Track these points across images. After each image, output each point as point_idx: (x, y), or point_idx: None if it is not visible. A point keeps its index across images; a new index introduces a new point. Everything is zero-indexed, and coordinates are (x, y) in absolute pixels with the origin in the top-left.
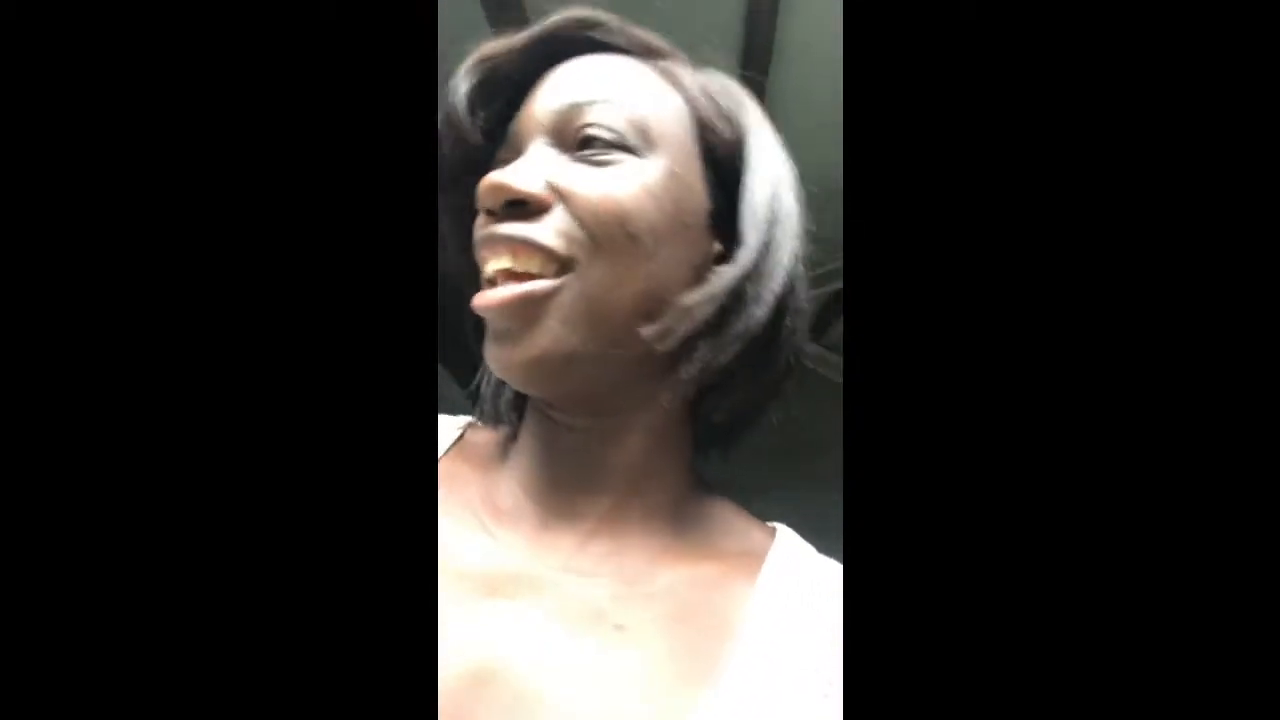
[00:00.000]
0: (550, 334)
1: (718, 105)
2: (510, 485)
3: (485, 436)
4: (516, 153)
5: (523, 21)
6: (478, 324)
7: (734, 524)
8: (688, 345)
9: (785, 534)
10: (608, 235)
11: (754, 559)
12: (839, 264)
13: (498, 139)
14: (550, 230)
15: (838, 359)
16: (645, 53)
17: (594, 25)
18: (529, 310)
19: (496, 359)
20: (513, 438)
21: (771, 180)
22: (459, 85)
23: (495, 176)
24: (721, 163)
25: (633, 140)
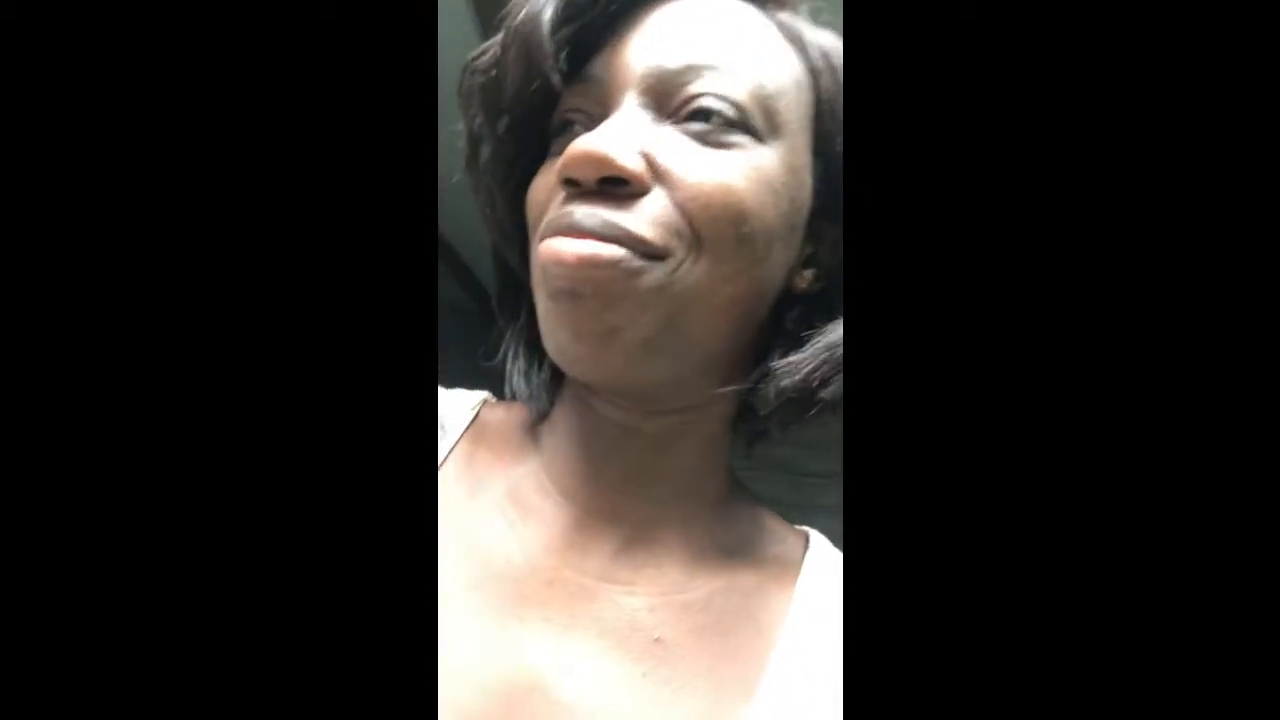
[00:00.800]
0: (627, 316)
1: (837, 79)
2: (540, 478)
3: (502, 415)
4: (598, 105)
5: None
6: (506, 293)
7: (768, 529)
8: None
9: (818, 540)
10: (717, 234)
11: (790, 566)
12: None
13: (569, 76)
14: (647, 220)
15: None
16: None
17: None
18: (609, 279)
19: (563, 311)
20: (539, 421)
21: None
22: (543, 5)
23: (591, 145)
24: (828, 150)
25: (756, 121)
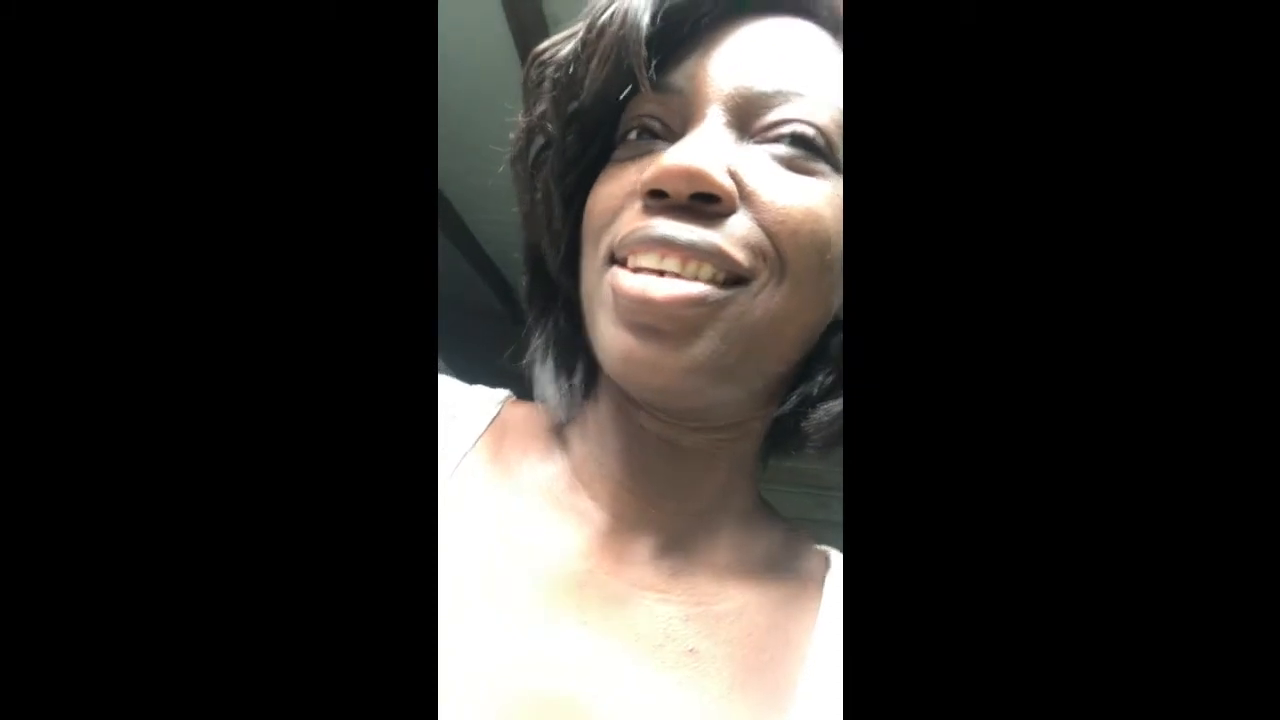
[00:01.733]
0: (709, 347)
1: None
2: (571, 479)
3: (525, 413)
4: (678, 115)
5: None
6: (537, 293)
7: (791, 546)
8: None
9: (838, 558)
10: (803, 259)
11: (813, 583)
12: None
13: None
14: (736, 239)
15: None
16: (830, 21)
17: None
18: (695, 315)
19: (633, 356)
20: (565, 424)
21: None
22: (639, 7)
23: (687, 159)
24: None
25: (837, 151)
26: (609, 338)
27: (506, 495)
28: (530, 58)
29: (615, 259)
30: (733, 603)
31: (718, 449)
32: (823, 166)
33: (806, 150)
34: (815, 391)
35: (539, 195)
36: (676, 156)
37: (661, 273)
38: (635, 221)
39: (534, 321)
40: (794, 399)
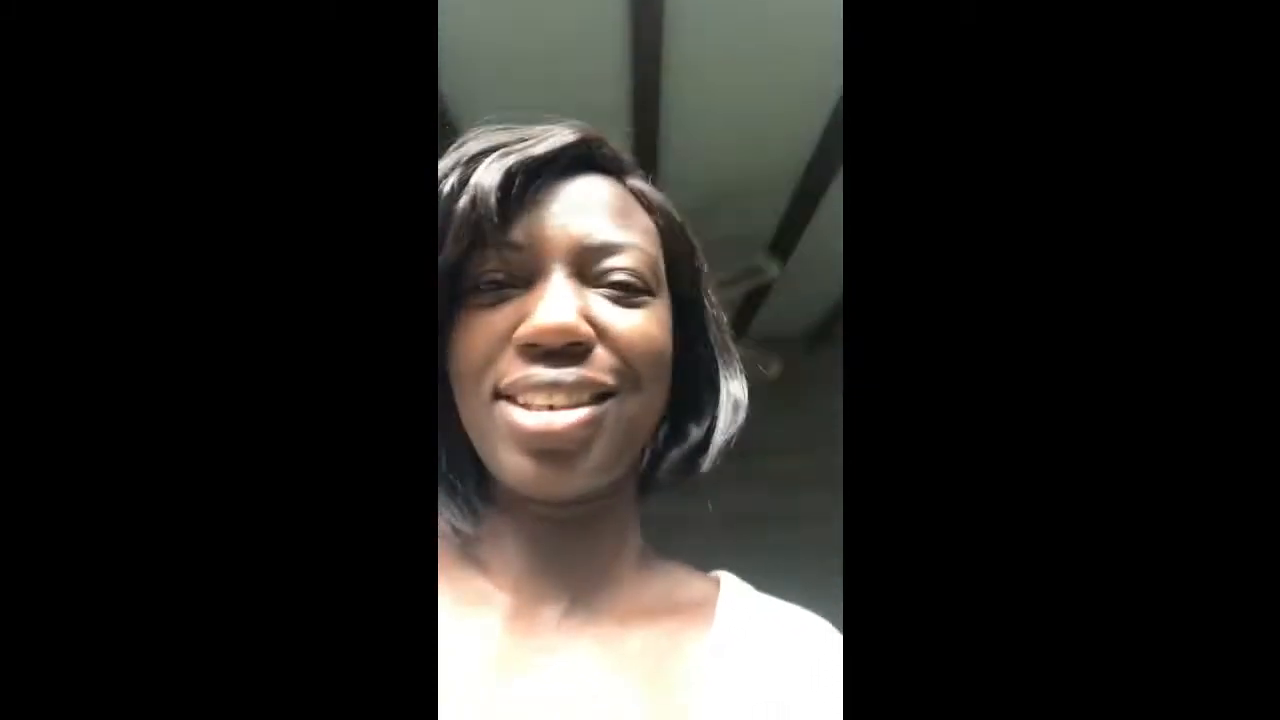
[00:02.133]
0: (601, 454)
1: (674, 227)
2: (477, 578)
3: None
4: (524, 269)
5: None
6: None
7: (683, 579)
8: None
9: (729, 580)
10: (649, 368)
11: (706, 607)
12: (751, 263)
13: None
14: (601, 369)
15: (766, 352)
16: (618, 170)
17: (600, 144)
18: (587, 433)
19: (540, 478)
20: (468, 532)
21: (718, 318)
22: (486, 178)
23: (556, 318)
24: (675, 285)
25: (651, 284)
26: (512, 464)
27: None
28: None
29: (500, 396)
30: (635, 642)
31: (599, 515)
32: (644, 298)
33: (633, 289)
34: (660, 448)
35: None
36: (547, 316)
37: (551, 407)
38: (518, 369)
39: None
40: (646, 460)
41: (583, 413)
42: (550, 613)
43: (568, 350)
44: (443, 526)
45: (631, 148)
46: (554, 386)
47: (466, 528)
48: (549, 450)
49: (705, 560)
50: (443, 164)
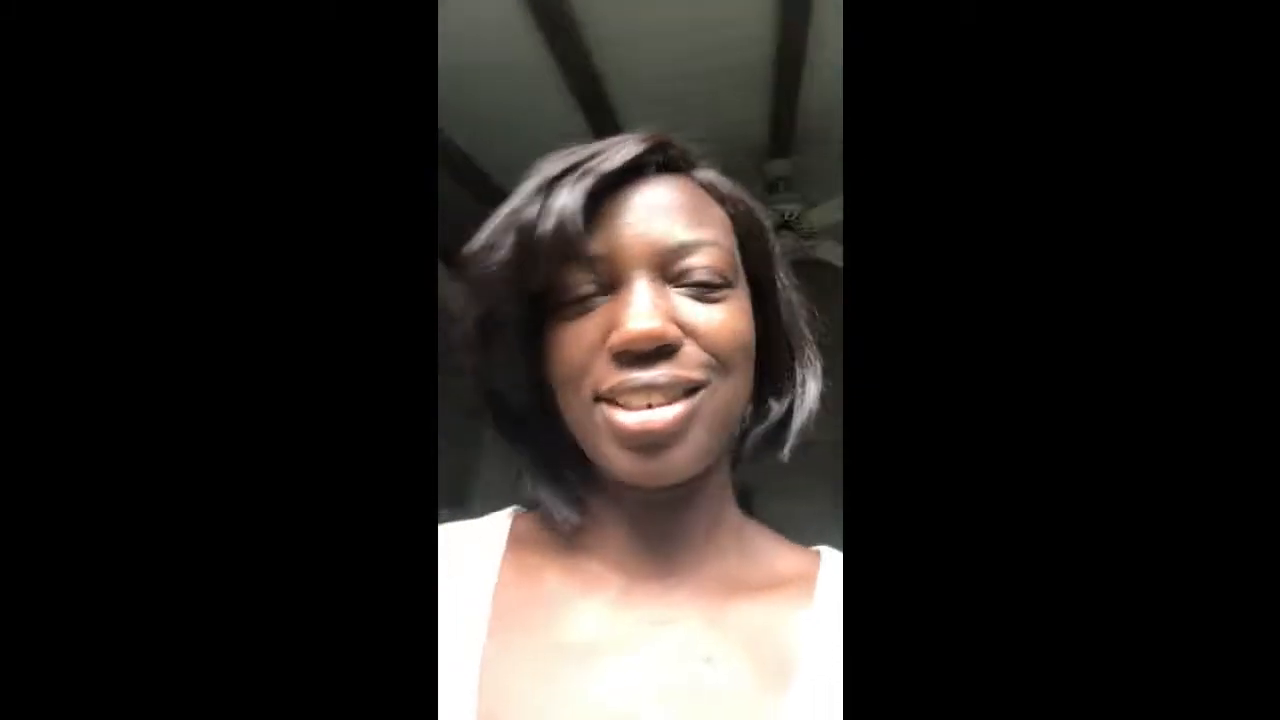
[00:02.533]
0: (697, 442)
1: (744, 213)
2: (589, 562)
3: (532, 524)
4: (607, 277)
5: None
6: (513, 427)
7: (783, 552)
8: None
9: (829, 554)
10: (735, 356)
11: (806, 581)
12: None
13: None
14: (691, 365)
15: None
16: (687, 166)
17: (668, 146)
18: (683, 426)
19: (643, 469)
20: (573, 522)
21: (795, 295)
22: (569, 200)
23: (645, 325)
24: (750, 268)
25: (729, 275)
26: (617, 458)
27: (541, 593)
28: (464, 259)
29: (600, 399)
30: (735, 614)
31: (698, 491)
32: (724, 291)
33: (712, 285)
34: (748, 425)
35: (498, 358)
36: (637, 323)
37: (649, 405)
38: (614, 374)
39: (516, 448)
40: (738, 436)
41: (678, 408)
42: (657, 588)
43: (658, 352)
44: (547, 518)
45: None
46: (650, 388)
47: (573, 517)
48: (650, 445)
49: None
50: (522, 190)
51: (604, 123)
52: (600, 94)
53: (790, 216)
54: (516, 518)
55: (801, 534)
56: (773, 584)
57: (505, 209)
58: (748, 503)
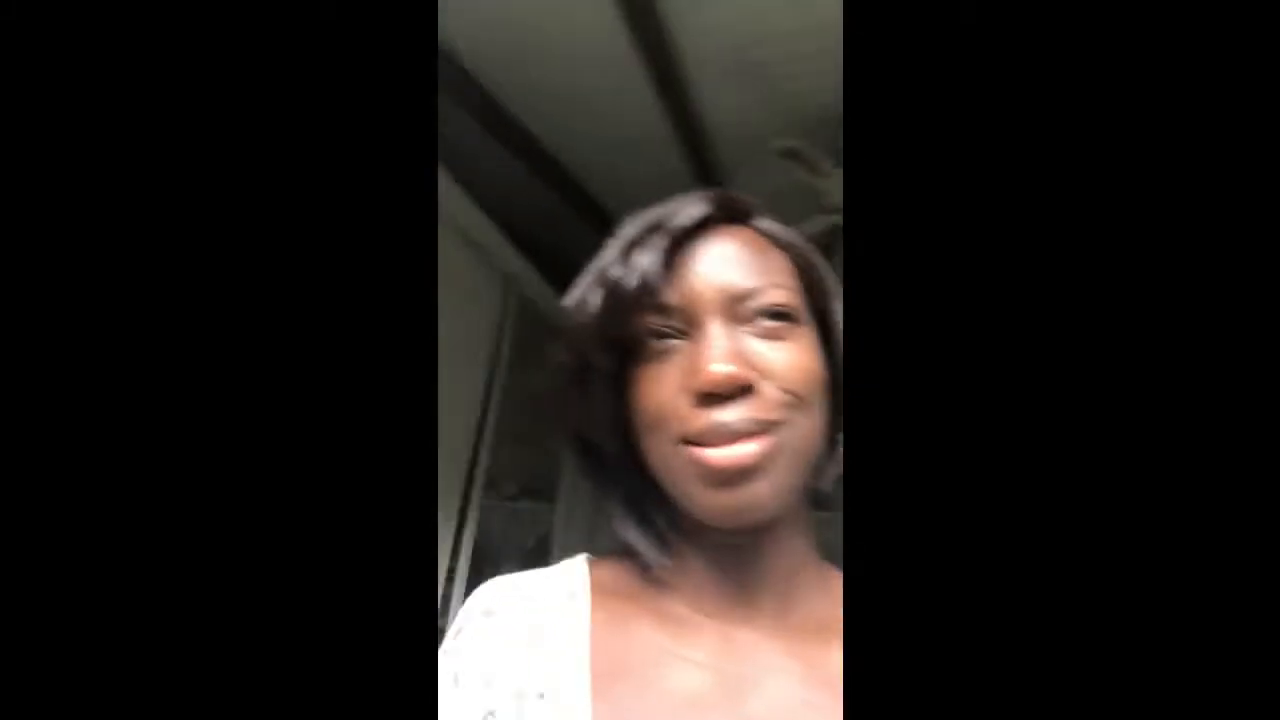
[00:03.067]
0: (779, 478)
1: (808, 259)
2: (677, 607)
3: (614, 568)
4: (683, 323)
5: None
6: (600, 474)
7: None
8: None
9: None
10: (809, 392)
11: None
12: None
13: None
14: (768, 404)
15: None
16: (746, 215)
17: (729, 201)
18: (765, 462)
19: (727, 505)
20: (661, 565)
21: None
22: (649, 257)
23: (724, 369)
24: (815, 304)
25: (796, 314)
26: (702, 496)
27: (638, 644)
28: (565, 312)
29: (685, 441)
30: (833, 655)
31: (781, 532)
32: (792, 328)
33: (781, 320)
34: (821, 461)
35: (589, 405)
36: (715, 367)
37: (732, 442)
38: (697, 416)
39: (602, 491)
40: (813, 474)
41: (761, 443)
42: (756, 633)
43: (738, 392)
44: (630, 563)
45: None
46: (731, 427)
47: (664, 560)
48: (734, 481)
49: None
50: (608, 251)
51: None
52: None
53: None
54: (593, 565)
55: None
56: None
57: (593, 268)
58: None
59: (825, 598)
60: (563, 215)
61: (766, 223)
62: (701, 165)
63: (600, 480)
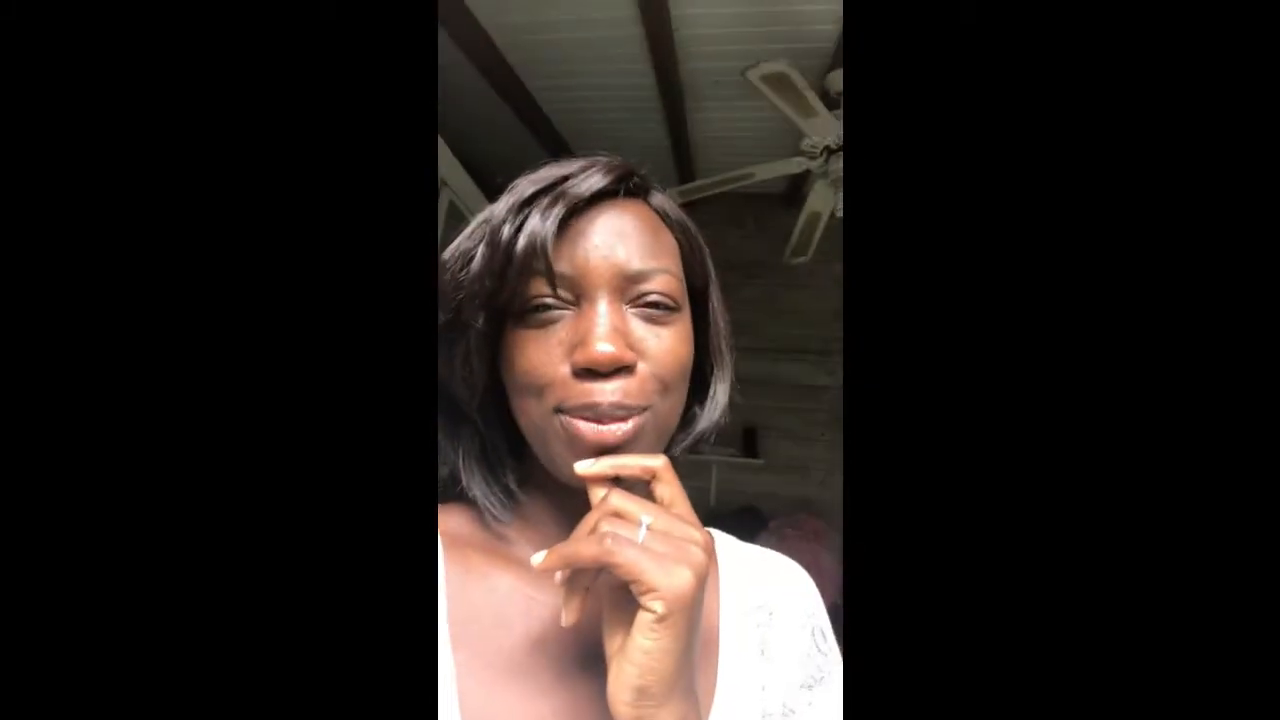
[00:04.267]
0: (639, 452)
1: (690, 239)
2: (526, 553)
3: (460, 520)
4: (571, 294)
5: None
6: (455, 427)
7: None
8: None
9: (720, 536)
10: (677, 380)
11: (712, 558)
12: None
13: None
14: (641, 387)
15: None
16: (644, 191)
17: (632, 175)
18: (632, 439)
19: None
20: (504, 520)
21: (722, 311)
22: (541, 224)
23: (606, 348)
24: (692, 289)
25: (679, 301)
26: (569, 464)
27: (496, 596)
28: (443, 265)
29: (560, 410)
30: None
31: (624, 482)
32: (672, 315)
33: (663, 309)
34: (675, 433)
35: (456, 358)
36: (603, 348)
37: (601, 420)
38: (575, 389)
39: (456, 446)
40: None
41: (629, 425)
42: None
43: (616, 372)
44: (477, 515)
45: None
46: (605, 404)
47: (506, 517)
48: (602, 454)
49: None
50: (498, 207)
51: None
52: None
53: None
54: (442, 513)
55: (805, 475)
56: None
57: (480, 219)
58: (752, 443)
59: None
60: None
61: (660, 199)
62: (669, 88)
63: (452, 432)
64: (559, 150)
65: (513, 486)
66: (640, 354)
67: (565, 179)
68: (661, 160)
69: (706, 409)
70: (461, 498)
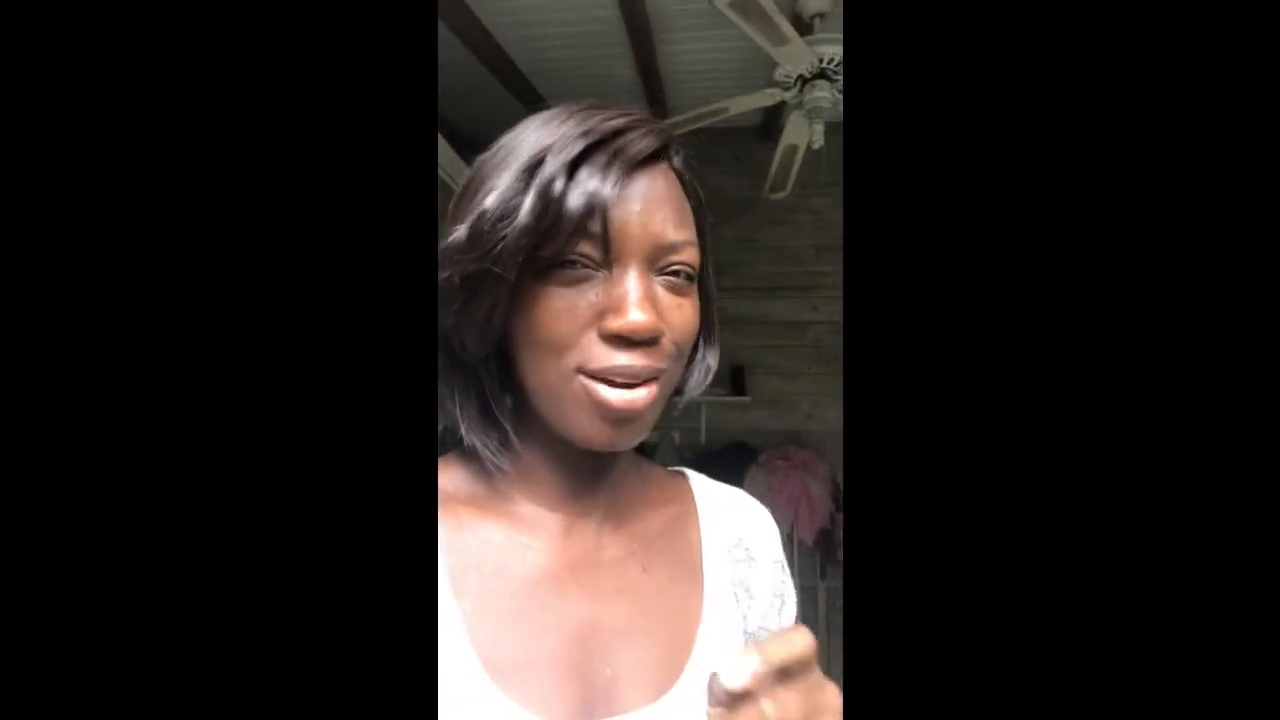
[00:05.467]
0: (654, 414)
1: (700, 201)
2: (522, 507)
3: (455, 475)
4: (600, 253)
5: None
6: (457, 375)
7: (662, 476)
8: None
9: (693, 475)
10: (687, 347)
11: (689, 497)
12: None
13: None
14: (664, 353)
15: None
16: (670, 155)
17: (672, 141)
18: (652, 404)
19: (611, 438)
20: (500, 468)
21: (711, 290)
22: (603, 186)
23: (642, 318)
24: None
25: (696, 274)
26: (589, 426)
27: (489, 545)
28: (480, 214)
29: (583, 372)
30: (655, 531)
31: None
32: (691, 285)
33: (687, 280)
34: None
35: (473, 304)
36: (638, 316)
37: (629, 385)
38: (602, 353)
39: (455, 392)
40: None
41: (652, 389)
42: (595, 526)
43: (646, 341)
44: (468, 471)
45: None
46: (632, 370)
47: (504, 464)
48: (623, 419)
49: None
50: (550, 164)
51: None
52: None
53: (829, 63)
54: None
55: (792, 409)
56: (666, 500)
57: (521, 166)
58: (740, 381)
59: (642, 487)
60: None
61: (679, 161)
62: (636, 20)
63: (455, 378)
64: (525, 93)
65: (511, 437)
66: (666, 324)
67: (616, 134)
68: (632, 97)
69: (697, 375)
70: (453, 450)
